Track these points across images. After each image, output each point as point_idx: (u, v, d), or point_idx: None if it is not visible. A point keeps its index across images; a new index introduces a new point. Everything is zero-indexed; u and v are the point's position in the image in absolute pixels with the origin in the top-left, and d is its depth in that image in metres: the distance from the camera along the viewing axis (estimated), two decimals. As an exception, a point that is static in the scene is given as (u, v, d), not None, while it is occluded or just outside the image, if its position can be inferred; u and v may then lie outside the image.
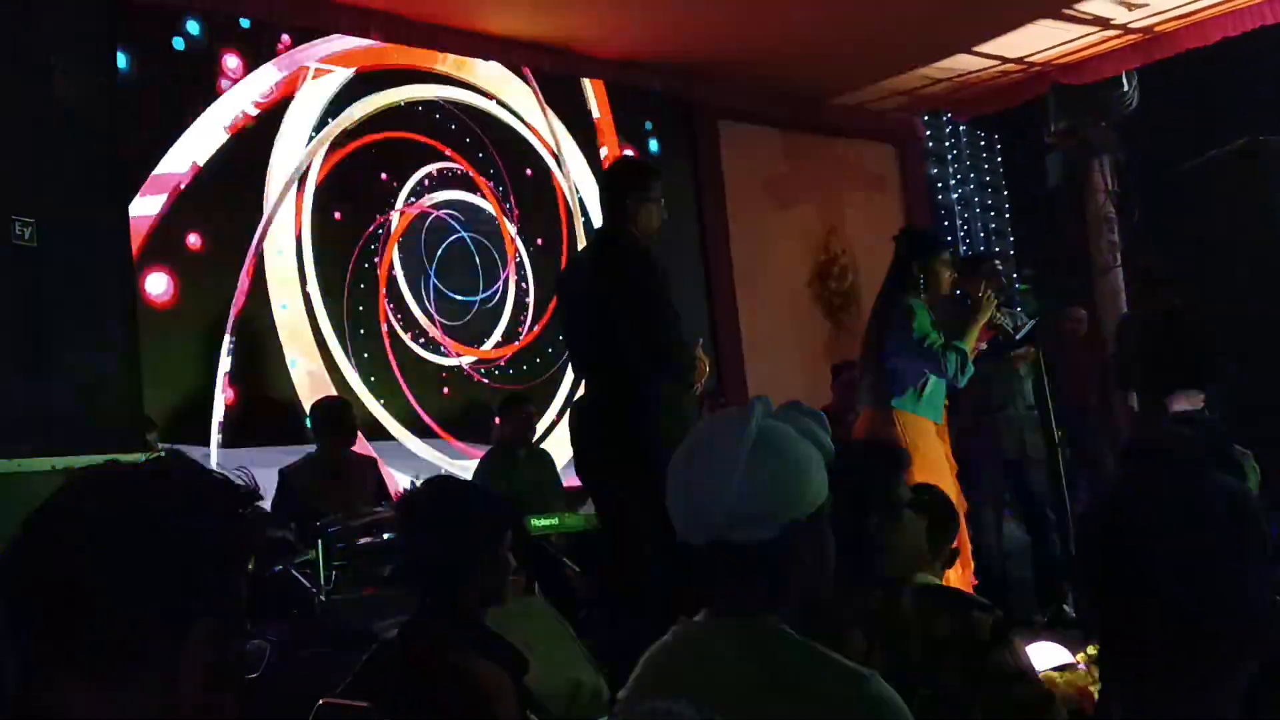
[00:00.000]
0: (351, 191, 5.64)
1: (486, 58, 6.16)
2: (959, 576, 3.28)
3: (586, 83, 6.66)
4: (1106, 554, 1.09)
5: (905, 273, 3.97)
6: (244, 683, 0.98)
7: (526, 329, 6.24)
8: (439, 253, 5.96)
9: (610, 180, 3.60)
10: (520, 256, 6.28)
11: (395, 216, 5.79)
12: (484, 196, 6.17)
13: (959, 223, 7.20)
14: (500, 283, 6.17)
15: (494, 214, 6.19)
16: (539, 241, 6.37)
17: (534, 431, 5.49)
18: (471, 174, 6.12)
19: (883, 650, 1.69)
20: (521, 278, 6.27)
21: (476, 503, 2.04)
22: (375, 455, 4.97)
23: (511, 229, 6.24)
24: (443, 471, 5.49)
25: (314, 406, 4.75)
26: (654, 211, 3.43)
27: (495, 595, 2.00)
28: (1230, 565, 1.03)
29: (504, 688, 1.92)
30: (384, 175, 5.79)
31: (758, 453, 1.33)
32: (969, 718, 1.76)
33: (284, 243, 5.41)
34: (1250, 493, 1.15)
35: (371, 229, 5.68)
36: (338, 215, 5.59)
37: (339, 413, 4.71)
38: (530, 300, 6.27)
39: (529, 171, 6.39)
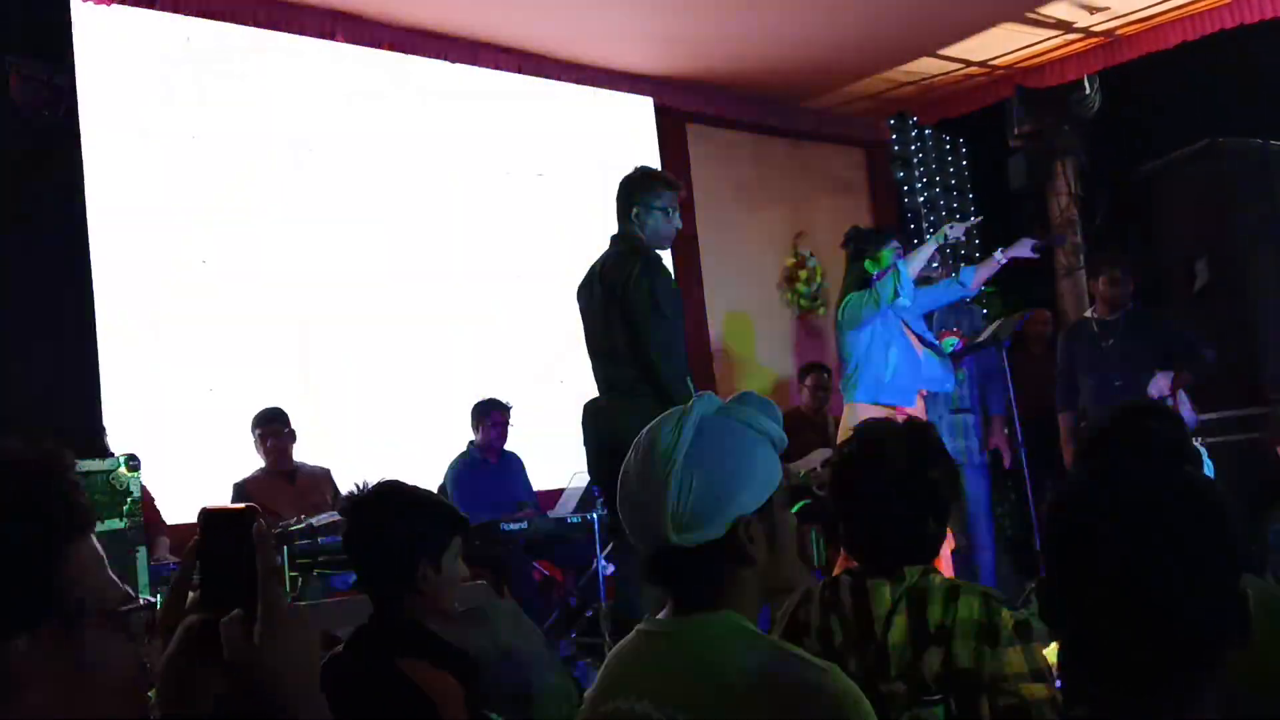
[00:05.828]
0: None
1: (451, 60, 6.12)
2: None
3: (555, 85, 6.64)
4: (1074, 550, 1.08)
5: (859, 272, 4.16)
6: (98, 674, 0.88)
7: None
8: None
9: (620, 188, 3.67)
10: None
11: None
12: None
13: (925, 225, 7.23)
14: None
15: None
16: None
17: (507, 436, 5.47)
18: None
19: None
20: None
21: (422, 508, 2.00)
22: (328, 467, 4.92)
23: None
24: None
25: (254, 418, 4.75)
26: (662, 219, 3.54)
27: (442, 603, 1.98)
28: (1202, 557, 1.02)
29: (452, 695, 1.91)
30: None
31: (695, 453, 1.32)
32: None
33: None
34: (1214, 484, 1.14)
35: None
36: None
37: (276, 415, 4.73)
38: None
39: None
